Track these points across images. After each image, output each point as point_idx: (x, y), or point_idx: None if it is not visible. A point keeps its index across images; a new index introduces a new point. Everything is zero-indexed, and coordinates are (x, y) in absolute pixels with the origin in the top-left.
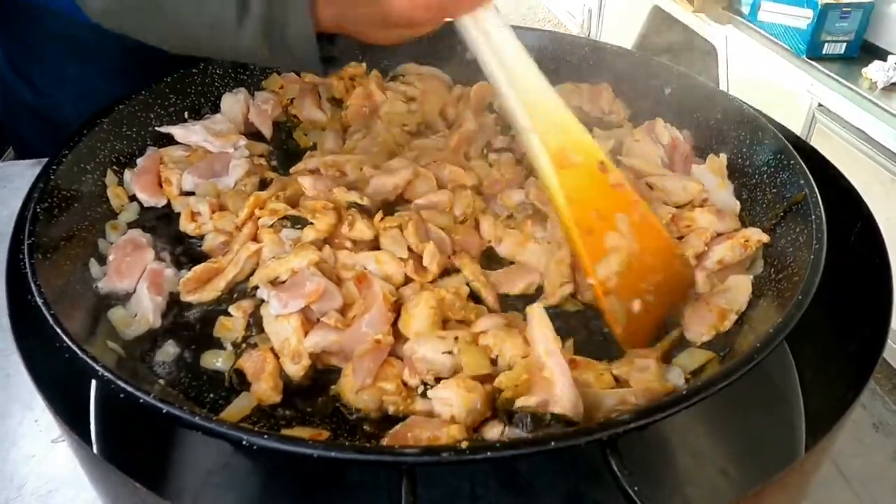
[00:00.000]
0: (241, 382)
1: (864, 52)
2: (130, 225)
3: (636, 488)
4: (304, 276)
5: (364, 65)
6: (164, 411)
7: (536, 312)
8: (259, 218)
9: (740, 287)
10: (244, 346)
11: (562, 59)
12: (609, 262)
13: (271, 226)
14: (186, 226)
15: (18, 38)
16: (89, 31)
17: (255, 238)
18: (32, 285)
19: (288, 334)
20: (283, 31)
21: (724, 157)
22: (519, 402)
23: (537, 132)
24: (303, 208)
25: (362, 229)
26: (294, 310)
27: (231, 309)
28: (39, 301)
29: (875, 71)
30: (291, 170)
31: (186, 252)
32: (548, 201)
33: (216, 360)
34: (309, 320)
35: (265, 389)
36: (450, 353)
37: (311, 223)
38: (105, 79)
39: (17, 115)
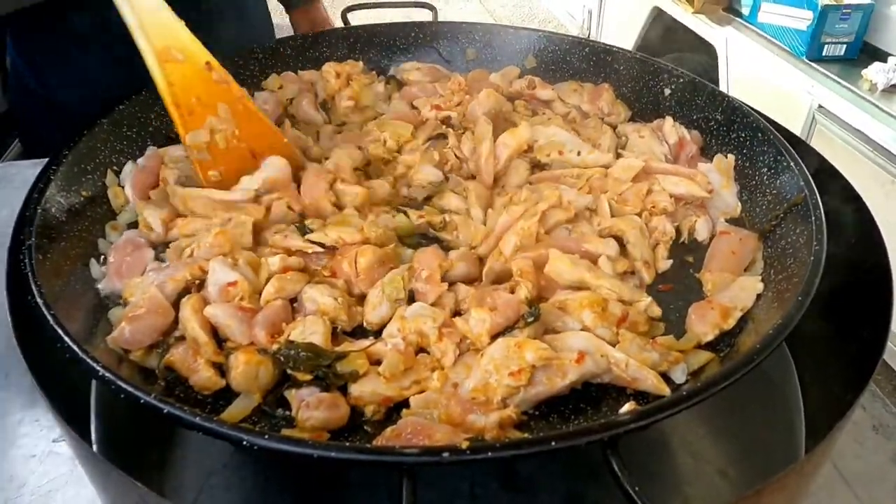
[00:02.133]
0: (174, 379)
1: (865, 53)
2: (130, 225)
3: (636, 488)
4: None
5: (361, 63)
6: (165, 411)
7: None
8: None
9: (747, 286)
10: (172, 340)
11: (562, 59)
12: (199, 133)
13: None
14: (147, 235)
15: (25, 26)
16: (89, 18)
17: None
18: (33, 286)
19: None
20: None
21: (731, 157)
22: None
23: (144, 33)
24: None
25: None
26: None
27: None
28: (40, 301)
29: (875, 72)
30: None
31: None
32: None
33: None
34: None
35: (209, 377)
36: None
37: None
38: (103, 65)
39: (24, 99)
